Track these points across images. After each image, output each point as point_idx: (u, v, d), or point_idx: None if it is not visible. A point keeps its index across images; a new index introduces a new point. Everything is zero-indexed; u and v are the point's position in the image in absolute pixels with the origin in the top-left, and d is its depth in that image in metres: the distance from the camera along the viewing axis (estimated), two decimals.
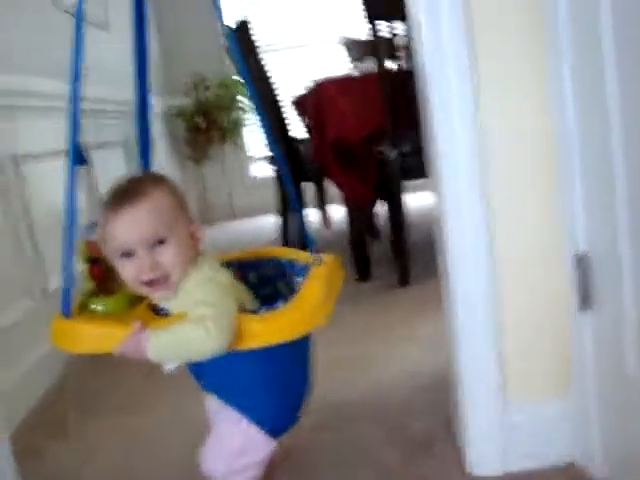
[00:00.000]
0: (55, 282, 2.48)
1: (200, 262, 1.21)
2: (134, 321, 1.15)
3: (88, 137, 3.14)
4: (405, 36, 2.71)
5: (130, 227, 1.14)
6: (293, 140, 3.36)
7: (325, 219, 3.88)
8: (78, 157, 1.19)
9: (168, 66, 5.39)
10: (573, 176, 1.25)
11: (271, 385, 1.25)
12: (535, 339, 1.40)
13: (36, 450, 1.81)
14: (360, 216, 3.18)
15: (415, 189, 3.27)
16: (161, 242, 1.15)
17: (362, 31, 4.98)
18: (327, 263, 1.27)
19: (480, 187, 1.33)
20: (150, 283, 1.16)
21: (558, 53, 1.23)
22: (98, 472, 1.67)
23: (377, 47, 2.71)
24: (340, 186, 2.95)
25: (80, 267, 1.24)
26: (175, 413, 1.93)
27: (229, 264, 1.33)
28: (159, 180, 1.23)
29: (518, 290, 1.38)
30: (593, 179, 1.21)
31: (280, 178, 3.63)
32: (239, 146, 5.57)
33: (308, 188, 3.39)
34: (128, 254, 1.15)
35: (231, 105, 5.34)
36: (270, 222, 3.68)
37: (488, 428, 1.40)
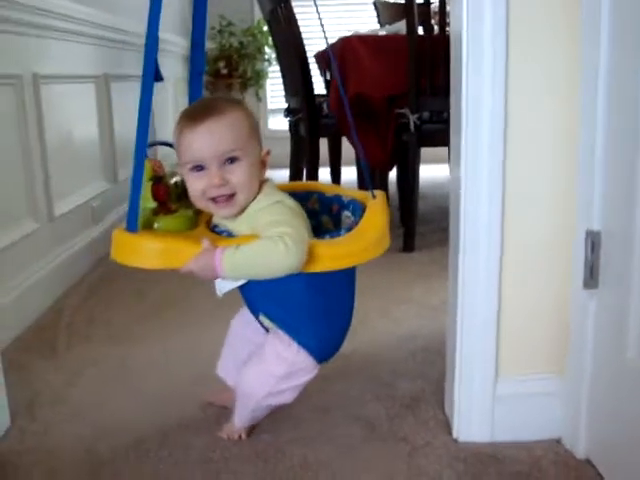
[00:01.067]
0: (61, 208, 2.48)
1: (266, 188, 1.25)
2: (200, 239, 1.17)
3: (111, 68, 3.12)
4: (440, 3, 2.67)
5: (205, 140, 1.18)
6: (315, 96, 3.33)
7: (336, 177, 3.87)
8: (155, 73, 1.18)
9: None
10: (593, 151, 1.22)
11: (325, 311, 1.31)
12: (536, 315, 1.39)
13: (23, 366, 1.82)
14: (372, 178, 3.15)
15: (427, 161, 3.25)
16: (232, 160, 1.19)
17: None
18: (381, 198, 1.36)
19: (500, 159, 1.31)
20: (215, 200, 1.20)
21: (593, 27, 1.20)
22: (80, 394, 1.67)
23: (410, 10, 2.66)
24: (355, 144, 2.92)
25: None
26: (163, 347, 1.94)
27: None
28: (236, 102, 1.29)
29: (524, 265, 1.37)
30: (613, 156, 1.18)
31: (295, 132, 3.62)
32: (260, 97, 5.53)
33: (323, 146, 3.37)
34: (200, 167, 1.19)
35: (256, 55, 5.29)
36: (284, 175, 3.66)
37: (479, 397, 1.40)
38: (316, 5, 1.40)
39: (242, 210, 1.23)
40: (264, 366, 1.31)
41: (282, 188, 1.39)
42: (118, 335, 2.05)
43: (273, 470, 1.33)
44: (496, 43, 1.27)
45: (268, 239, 1.13)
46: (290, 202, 1.24)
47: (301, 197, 1.40)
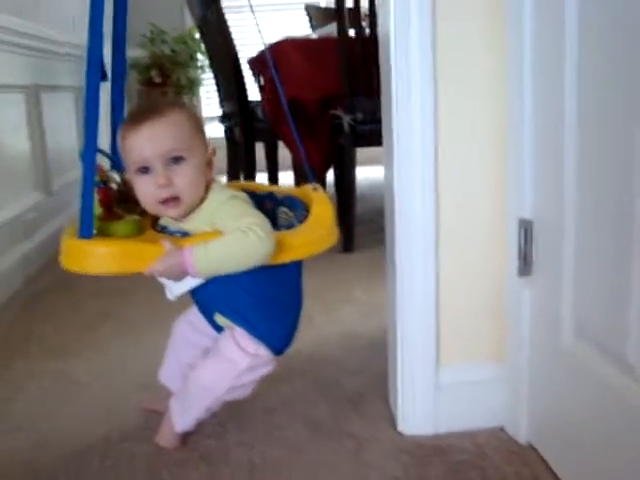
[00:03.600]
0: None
1: (215, 186, 1.26)
2: (157, 241, 1.18)
3: (40, 79, 3.07)
4: (370, 4, 2.69)
5: (148, 141, 1.19)
6: (249, 101, 3.32)
7: (274, 182, 3.86)
8: (100, 71, 1.16)
9: None
10: (522, 142, 1.25)
11: (280, 304, 1.33)
12: (472, 305, 1.41)
13: None
14: (308, 181, 3.16)
15: (363, 162, 3.27)
16: (177, 160, 1.20)
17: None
18: (322, 190, 1.41)
19: (431, 153, 1.33)
20: (164, 202, 1.20)
21: (517, 25, 1.23)
22: (20, 409, 1.64)
23: (341, 13, 2.68)
24: (292, 148, 2.92)
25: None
26: (101, 358, 1.91)
27: None
28: (178, 104, 1.29)
29: (459, 256, 1.38)
30: (543, 146, 1.21)
31: (231, 138, 3.61)
32: (194, 105, 5.50)
33: (259, 152, 3.36)
34: (145, 169, 1.19)
35: (188, 62, 5.26)
36: (221, 181, 3.63)
37: (420, 389, 1.41)
38: (252, 8, 1.40)
39: (190, 210, 1.23)
40: (225, 360, 1.31)
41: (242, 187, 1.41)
42: (55, 349, 2.00)
43: (218, 474, 1.32)
44: (423, 43, 1.29)
45: (238, 231, 1.14)
46: (243, 195, 1.26)
47: (259, 199, 1.40)
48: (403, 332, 1.40)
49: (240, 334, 1.30)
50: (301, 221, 1.31)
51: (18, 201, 2.77)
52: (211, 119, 5.48)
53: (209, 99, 5.56)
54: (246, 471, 1.33)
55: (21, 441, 1.48)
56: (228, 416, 1.50)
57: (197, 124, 1.26)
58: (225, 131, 3.78)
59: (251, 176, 3.21)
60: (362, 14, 2.82)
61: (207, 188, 1.25)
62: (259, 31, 1.38)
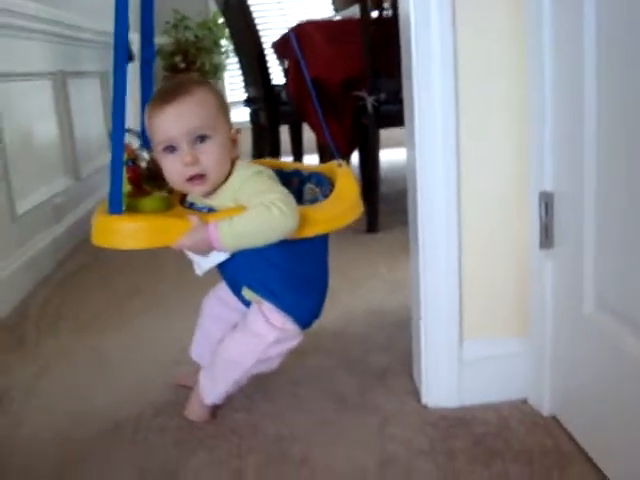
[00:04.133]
0: (23, 206, 2.47)
1: (240, 164, 1.29)
2: (185, 216, 1.21)
3: (66, 65, 3.11)
4: None
5: (174, 120, 1.21)
6: (274, 85, 3.34)
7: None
8: (127, 53, 1.19)
9: None
10: (543, 116, 1.25)
11: (307, 278, 1.36)
12: (495, 279, 1.42)
13: None
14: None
15: (388, 145, 3.28)
16: (203, 139, 1.22)
17: None
18: (346, 166, 1.43)
19: (454, 133, 1.34)
20: (191, 179, 1.23)
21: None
22: (52, 386, 1.67)
23: None
24: (316, 130, 2.94)
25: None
26: (132, 335, 1.95)
27: None
28: (203, 82, 1.30)
29: (482, 231, 1.40)
30: (563, 119, 1.21)
31: (256, 122, 3.63)
32: (219, 90, 5.52)
33: (284, 135, 3.38)
34: (171, 148, 1.22)
35: (212, 48, 5.28)
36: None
37: (445, 362, 1.43)
38: None
39: (216, 187, 1.26)
40: (253, 334, 1.34)
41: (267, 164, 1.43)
42: (87, 326, 2.05)
43: (247, 444, 1.35)
44: (443, 22, 1.29)
45: (261, 206, 1.17)
46: (268, 172, 1.28)
47: (285, 176, 1.43)
48: (427, 307, 1.42)
49: (267, 308, 1.32)
50: (326, 196, 1.34)
51: (48, 186, 2.82)
52: (235, 104, 5.51)
53: (233, 84, 5.57)
54: (274, 443, 1.36)
55: (54, 417, 1.52)
56: (255, 389, 1.53)
57: (221, 103, 1.28)
58: (250, 115, 3.81)
59: (276, 157, 3.23)
60: None
61: (232, 165, 1.28)
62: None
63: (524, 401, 1.43)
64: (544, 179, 1.27)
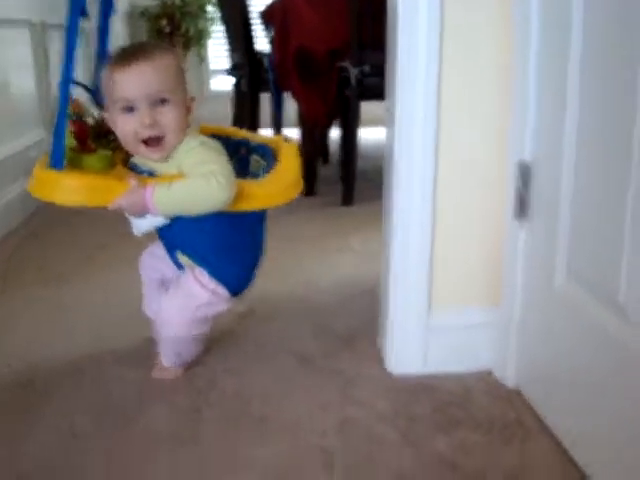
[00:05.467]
0: None
1: (190, 131, 1.29)
2: (125, 177, 1.21)
3: (47, 16, 3.05)
4: None
5: (136, 81, 1.20)
6: (257, 52, 3.30)
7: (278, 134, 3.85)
8: (81, 8, 1.20)
9: None
10: (526, 86, 1.24)
11: (240, 248, 1.37)
12: (468, 249, 1.41)
13: None
14: (313, 134, 3.16)
15: (369, 123, 3.26)
16: (162, 102, 1.22)
17: None
18: (293, 142, 1.43)
19: (434, 103, 1.33)
20: (147, 142, 1.23)
21: None
22: (15, 335, 1.66)
23: None
24: (298, 99, 2.91)
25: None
26: (96, 288, 1.94)
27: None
28: (165, 47, 1.31)
29: (457, 200, 1.39)
30: (546, 91, 1.20)
31: (238, 89, 3.60)
32: (202, 57, 5.47)
33: (264, 104, 3.35)
34: (130, 108, 1.21)
35: (198, 13, 5.22)
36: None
37: (411, 329, 1.42)
38: None
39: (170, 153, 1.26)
40: (186, 294, 1.35)
41: (214, 131, 1.45)
42: (51, 278, 2.02)
43: (207, 399, 1.34)
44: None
45: (200, 176, 1.18)
46: (213, 143, 1.28)
47: (233, 145, 1.45)
48: (396, 273, 1.41)
49: (200, 272, 1.34)
50: (268, 170, 1.36)
51: (21, 138, 2.76)
52: (218, 72, 5.47)
53: (217, 52, 5.52)
54: (234, 399, 1.35)
55: (15, 363, 1.50)
56: (218, 348, 1.53)
57: (180, 69, 1.28)
58: (235, 84, 3.77)
59: (254, 125, 3.20)
60: None
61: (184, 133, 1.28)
62: None
63: (489, 372, 1.43)
64: (523, 149, 1.26)
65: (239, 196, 1.22)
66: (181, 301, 1.35)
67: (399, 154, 1.36)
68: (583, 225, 1.12)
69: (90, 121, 1.30)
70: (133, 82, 1.20)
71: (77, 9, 1.18)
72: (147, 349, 1.45)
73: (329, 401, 1.34)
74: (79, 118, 1.27)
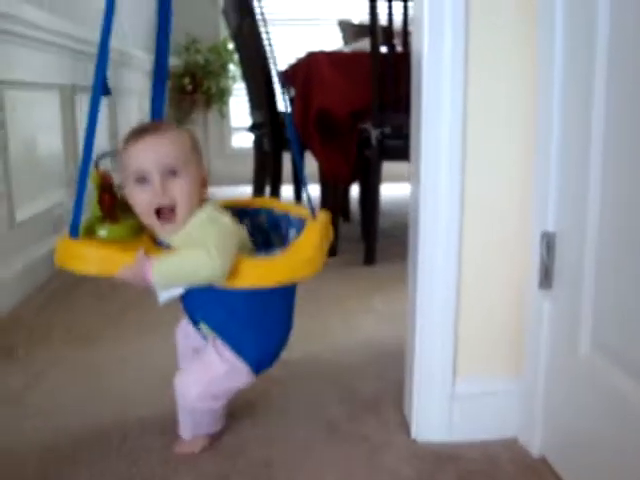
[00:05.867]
0: (22, 214, 2.47)
1: (207, 206, 1.29)
2: (138, 248, 1.22)
3: (75, 79, 3.12)
4: (402, 21, 2.73)
5: (148, 153, 1.23)
6: (278, 112, 3.36)
7: (299, 193, 3.89)
8: (104, 87, 1.28)
9: None
10: (549, 157, 1.27)
11: (262, 325, 1.33)
12: (492, 317, 1.42)
13: None
14: (334, 193, 3.20)
15: (388, 179, 3.29)
16: (174, 174, 1.24)
17: (359, 14, 5.03)
18: (321, 218, 1.37)
19: (459, 171, 1.35)
20: (159, 213, 1.24)
21: (549, 49, 1.25)
22: (41, 395, 1.67)
23: (374, 29, 2.72)
24: (319, 158, 2.95)
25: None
26: (123, 350, 1.95)
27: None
28: (179, 126, 1.34)
29: (481, 268, 1.40)
30: (567, 161, 1.23)
31: (259, 148, 3.65)
32: (223, 114, 5.55)
33: (286, 162, 3.40)
34: (143, 179, 1.23)
35: (220, 72, 5.32)
36: (247, 191, 3.69)
37: (436, 397, 1.42)
38: (265, 23, 1.46)
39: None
40: (204, 363, 1.34)
41: (232, 204, 1.46)
42: (79, 338, 2.04)
43: (234, 467, 1.34)
44: (455, 63, 1.32)
45: (193, 248, 1.19)
46: (225, 220, 1.28)
47: (251, 214, 1.47)
48: (421, 340, 1.42)
49: (221, 345, 1.33)
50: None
51: (48, 197, 2.82)
52: (239, 129, 5.55)
53: (238, 110, 5.61)
54: (261, 467, 1.35)
55: (41, 426, 1.51)
56: (244, 414, 1.53)
57: (194, 145, 1.31)
58: (254, 141, 3.83)
59: (277, 185, 3.25)
60: (394, 31, 2.86)
61: (200, 207, 1.29)
62: (268, 40, 1.37)
63: (514, 440, 1.42)
64: (547, 219, 1.28)
65: (235, 272, 1.19)
66: (198, 372, 1.35)
67: (423, 220, 1.38)
68: (608, 295, 1.13)
69: (118, 191, 1.33)
70: (145, 153, 1.23)
71: (99, 90, 1.26)
72: (174, 416, 1.45)
73: (355, 470, 1.34)
74: (105, 189, 1.31)
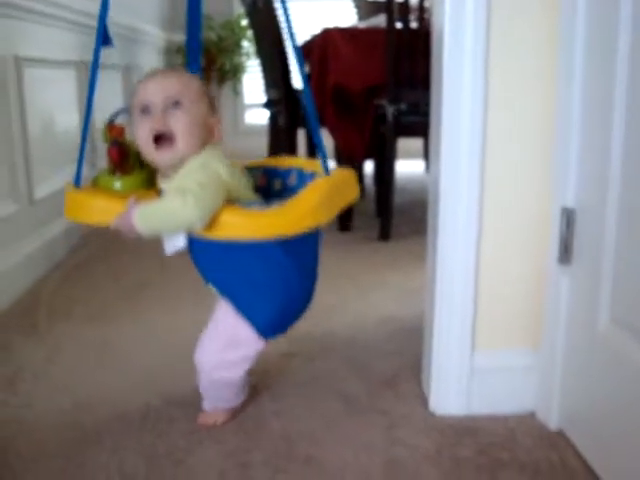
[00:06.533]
0: (41, 191, 2.49)
1: (207, 150, 1.27)
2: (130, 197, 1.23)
3: (90, 56, 3.12)
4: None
5: (154, 86, 1.25)
6: (294, 88, 3.35)
7: None
8: (105, 37, 1.31)
9: (173, 0, 5.36)
10: (569, 132, 1.27)
11: (271, 288, 1.29)
12: (511, 291, 1.43)
13: (2, 344, 1.85)
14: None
15: (401, 155, 3.30)
16: (176, 105, 1.23)
17: None
18: (334, 176, 1.30)
19: (480, 147, 1.35)
20: (158, 140, 1.23)
21: (571, 25, 1.24)
22: (62, 370, 1.69)
23: (390, 5, 2.70)
24: (334, 134, 2.95)
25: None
26: (142, 326, 1.97)
27: (253, 169, 1.43)
28: (195, 75, 1.35)
29: (500, 242, 1.41)
30: (590, 136, 1.23)
31: (274, 124, 3.65)
32: (237, 91, 5.55)
33: (300, 138, 3.40)
34: (146, 109, 1.24)
35: (234, 49, 5.31)
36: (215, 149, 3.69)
37: (454, 371, 1.44)
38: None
39: (179, 164, 1.25)
40: (215, 330, 1.35)
41: (261, 164, 1.47)
42: (96, 315, 2.07)
43: (255, 440, 1.36)
44: (477, 36, 1.31)
45: (172, 195, 1.18)
46: (219, 167, 1.23)
47: (282, 174, 1.45)
48: (440, 314, 1.43)
49: (227, 305, 1.32)
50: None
51: (65, 174, 2.83)
52: (253, 106, 5.54)
53: (252, 86, 5.60)
54: (280, 440, 1.36)
55: (63, 401, 1.53)
56: (263, 389, 1.55)
57: (205, 91, 1.30)
58: (269, 118, 3.83)
59: None
60: (411, 7, 2.84)
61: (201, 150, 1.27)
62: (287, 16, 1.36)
63: (532, 414, 1.44)
64: (567, 195, 1.28)
65: (217, 221, 1.17)
66: (210, 338, 1.35)
67: (443, 196, 1.39)
68: (627, 270, 1.13)
69: (133, 145, 1.33)
70: (151, 87, 1.24)
71: (100, 38, 1.30)
72: (196, 391, 1.46)
73: (373, 442, 1.36)
74: (115, 142, 1.32)
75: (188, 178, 1.19)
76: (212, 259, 1.29)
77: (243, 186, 1.29)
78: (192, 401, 1.46)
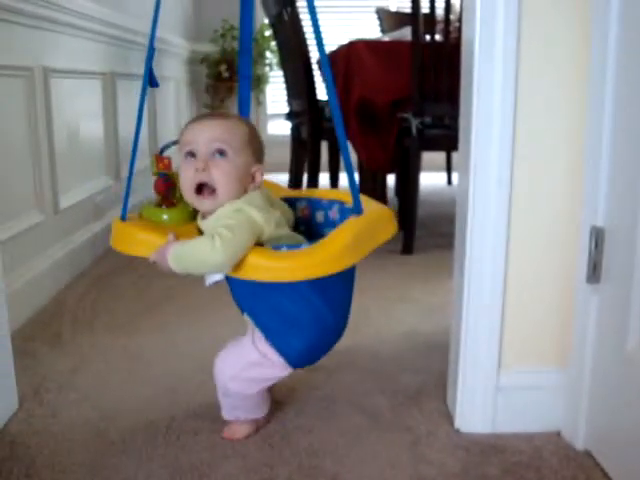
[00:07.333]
0: (66, 201, 2.51)
1: (248, 194, 1.28)
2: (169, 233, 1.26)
3: (117, 66, 3.15)
4: (444, 9, 2.72)
5: (201, 130, 1.27)
6: (318, 100, 3.36)
7: (334, 182, 3.91)
8: (151, 79, 1.34)
9: (198, 11, 5.40)
10: (599, 151, 1.26)
11: (302, 324, 1.30)
12: (539, 309, 1.42)
13: (28, 353, 1.85)
14: (373, 182, 3.21)
15: (423, 168, 3.29)
16: (221, 154, 1.25)
17: (396, 2, 5.03)
18: (368, 215, 1.28)
19: (508, 159, 1.35)
20: (199, 189, 1.26)
21: (603, 36, 1.24)
22: (87, 380, 1.70)
23: (416, 18, 2.70)
24: (358, 148, 2.96)
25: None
26: (167, 337, 1.98)
27: (297, 199, 1.47)
28: (243, 118, 1.37)
29: (528, 261, 1.40)
30: (618, 156, 1.22)
31: (297, 136, 3.66)
32: (260, 101, 5.57)
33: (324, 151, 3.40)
34: (191, 154, 1.26)
35: (257, 59, 5.33)
36: (283, 180, 3.70)
37: (480, 389, 1.43)
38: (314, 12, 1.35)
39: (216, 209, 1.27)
40: (239, 351, 1.36)
41: (306, 194, 1.49)
42: (121, 326, 2.08)
43: (279, 455, 1.36)
44: (507, 50, 1.31)
45: (204, 238, 1.20)
46: (253, 212, 1.23)
47: (327, 205, 1.47)
48: (467, 332, 1.43)
49: (259, 337, 1.33)
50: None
51: (90, 183, 2.86)
52: (275, 116, 5.56)
53: (274, 97, 5.62)
54: (306, 456, 1.36)
55: (88, 411, 1.54)
56: (288, 403, 1.55)
57: (252, 139, 1.31)
58: (291, 129, 3.84)
59: (315, 174, 3.25)
60: (435, 20, 2.84)
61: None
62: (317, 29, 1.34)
63: (557, 433, 1.42)
64: (597, 214, 1.27)
65: (244, 263, 1.19)
66: (234, 354, 1.36)
67: (472, 213, 1.38)
68: None
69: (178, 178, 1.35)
70: (197, 130, 1.26)
71: (147, 80, 1.34)
72: (219, 404, 1.46)
73: (399, 460, 1.35)
74: (162, 175, 1.35)
75: (220, 222, 1.21)
76: (247, 293, 1.31)
77: (277, 224, 1.27)
78: (216, 413, 1.45)
